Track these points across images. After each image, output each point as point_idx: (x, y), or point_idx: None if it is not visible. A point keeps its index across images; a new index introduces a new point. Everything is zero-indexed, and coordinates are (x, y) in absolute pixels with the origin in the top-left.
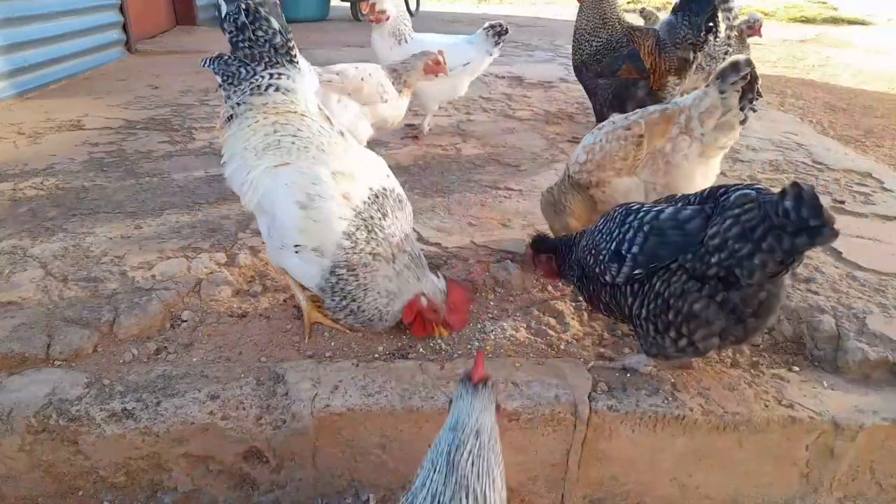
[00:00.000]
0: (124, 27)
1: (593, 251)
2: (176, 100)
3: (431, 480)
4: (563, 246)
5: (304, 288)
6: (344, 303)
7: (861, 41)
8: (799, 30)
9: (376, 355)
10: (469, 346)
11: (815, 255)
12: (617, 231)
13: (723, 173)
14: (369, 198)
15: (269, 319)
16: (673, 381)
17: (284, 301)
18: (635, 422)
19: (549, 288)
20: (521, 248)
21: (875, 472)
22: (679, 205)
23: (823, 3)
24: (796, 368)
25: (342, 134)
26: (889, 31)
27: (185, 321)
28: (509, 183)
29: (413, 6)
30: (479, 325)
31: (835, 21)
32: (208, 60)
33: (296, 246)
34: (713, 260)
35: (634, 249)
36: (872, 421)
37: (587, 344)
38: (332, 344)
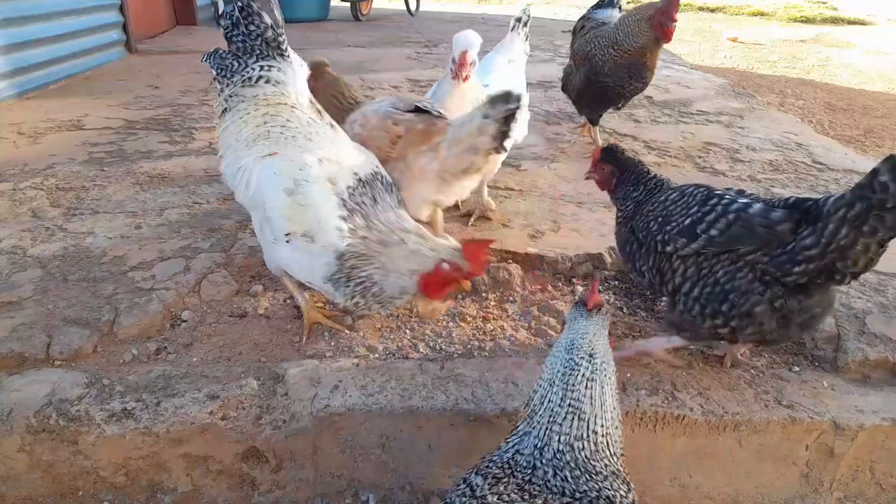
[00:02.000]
0: (124, 27)
1: (660, 219)
2: (176, 100)
3: (549, 400)
4: (632, 174)
5: (301, 287)
6: (360, 289)
7: (861, 41)
8: (799, 30)
9: (376, 355)
10: (469, 347)
11: None
12: (697, 209)
13: (723, 173)
14: (356, 183)
15: (269, 319)
16: (673, 381)
17: (284, 301)
18: (635, 422)
19: (549, 288)
20: (520, 247)
21: (875, 472)
22: (767, 204)
23: (823, 3)
24: (796, 368)
25: (332, 126)
26: (889, 31)
27: (185, 321)
28: (509, 183)
29: (413, 6)
30: (479, 325)
31: (835, 21)
32: (206, 55)
33: (286, 235)
34: (797, 269)
35: (713, 232)
36: (872, 421)
37: None
38: (332, 344)
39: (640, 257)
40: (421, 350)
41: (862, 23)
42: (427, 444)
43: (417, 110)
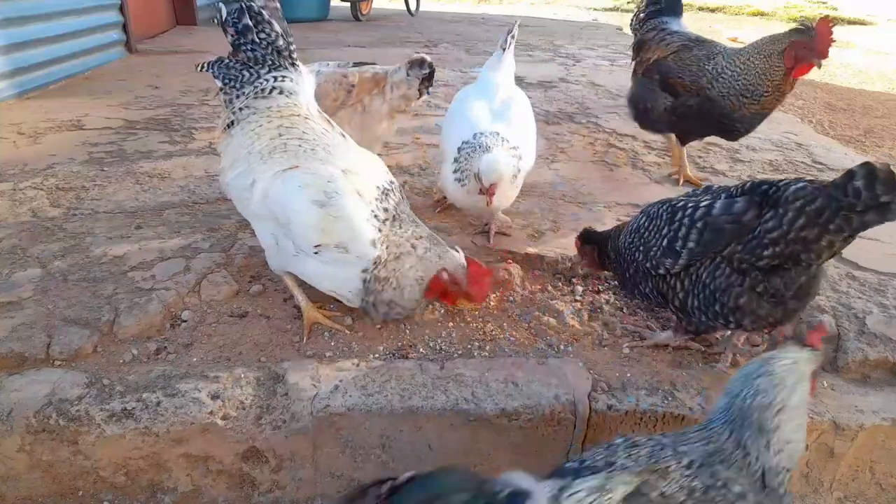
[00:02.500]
0: (124, 27)
1: (641, 248)
2: (176, 100)
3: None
4: (606, 238)
5: (302, 287)
6: (382, 306)
7: (861, 41)
8: None
9: (376, 355)
10: (469, 347)
11: None
12: (666, 229)
13: (723, 173)
14: (380, 194)
15: (269, 319)
16: (673, 380)
17: (284, 301)
18: (635, 421)
19: (549, 288)
20: (520, 247)
21: (875, 472)
22: (723, 197)
23: (823, 3)
24: None
25: (343, 136)
26: (889, 31)
27: (185, 321)
28: None
29: (413, 6)
30: (479, 325)
31: (835, 21)
32: (208, 65)
33: (315, 247)
34: (766, 252)
35: (690, 244)
36: (872, 421)
37: (587, 344)
38: (332, 344)
39: (639, 281)
40: (421, 350)
41: (862, 23)
42: (427, 444)
43: (357, 65)
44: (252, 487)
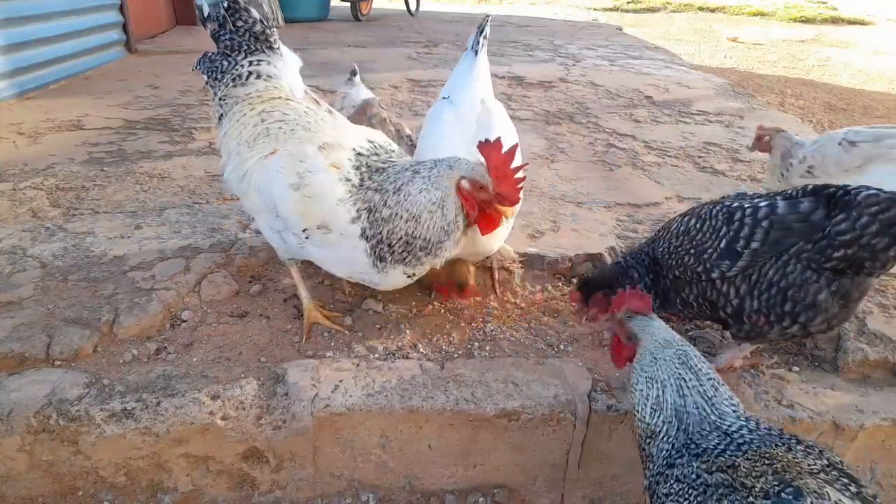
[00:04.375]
0: (124, 27)
1: (692, 251)
2: (176, 100)
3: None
4: (624, 276)
5: (305, 284)
6: (405, 252)
7: (861, 41)
8: (799, 30)
9: (376, 355)
10: (469, 347)
11: None
12: (725, 229)
13: (722, 173)
14: (357, 158)
15: (269, 319)
16: None
17: (284, 301)
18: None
19: (549, 288)
20: (520, 247)
21: (875, 472)
22: (785, 199)
23: (823, 3)
24: (796, 368)
25: (331, 112)
26: (889, 31)
27: (185, 321)
28: None
29: (413, 6)
30: (479, 325)
31: (835, 21)
32: (197, 63)
33: (304, 231)
34: (836, 254)
35: (755, 244)
36: (872, 421)
37: (587, 344)
38: (332, 344)
39: (683, 289)
40: (421, 350)
41: (862, 23)
42: (427, 444)
43: None
44: (252, 487)
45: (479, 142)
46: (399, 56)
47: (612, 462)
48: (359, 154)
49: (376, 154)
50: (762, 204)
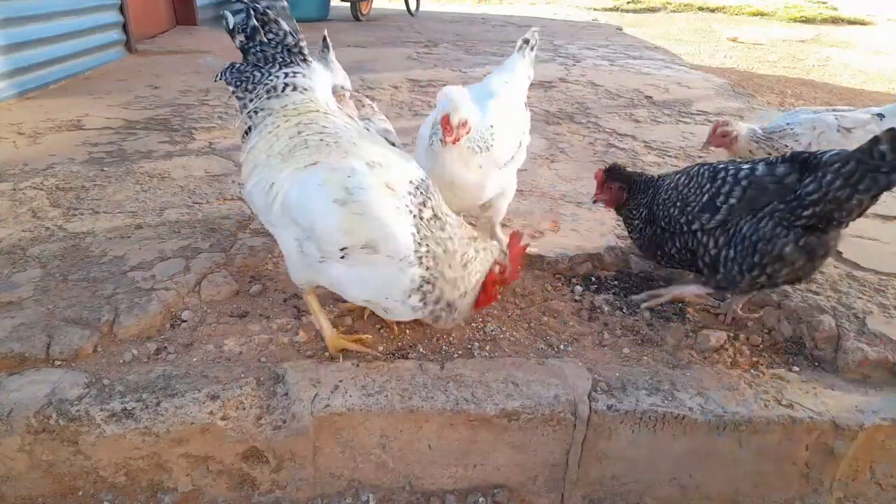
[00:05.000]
0: (124, 27)
1: (678, 203)
2: (176, 100)
3: None
4: (640, 184)
5: (324, 312)
6: (439, 308)
7: (861, 41)
8: (799, 30)
9: (376, 355)
10: (469, 347)
11: None
12: (708, 185)
13: None
14: (413, 189)
15: (269, 319)
16: (673, 381)
17: (284, 301)
18: (635, 422)
19: (549, 288)
20: None
21: (875, 472)
22: (765, 164)
23: (823, 3)
24: (796, 368)
25: (368, 129)
26: (889, 31)
27: (185, 321)
28: None
29: (413, 6)
30: (479, 326)
31: (835, 21)
32: (221, 73)
33: (342, 249)
34: (806, 212)
35: (732, 200)
36: (872, 421)
37: (587, 344)
38: None
39: (665, 242)
40: (421, 350)
41: (862, 23)
42: (427, 444)
43: None
44: (252, 488)
45: (513, 233)
46: (399, 56)
47: (612, 462)
48: (416, 186)
49: (428, 192)
50: (744, 166)
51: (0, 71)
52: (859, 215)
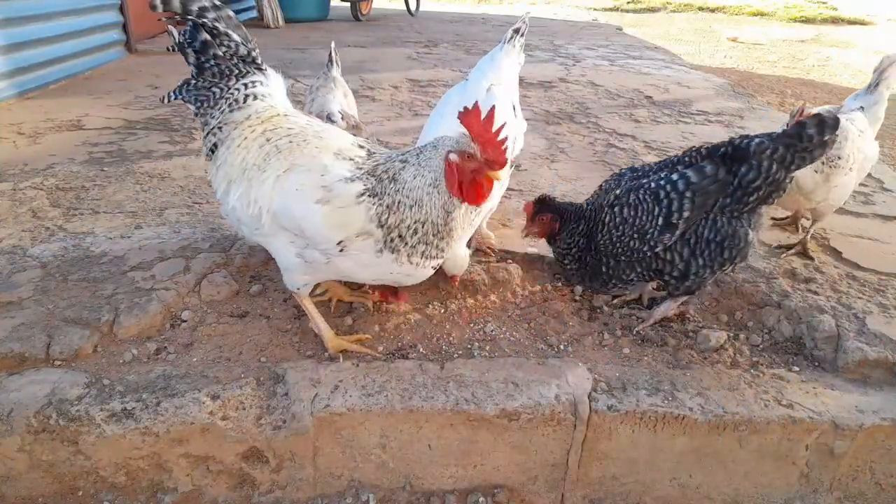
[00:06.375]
0: (124, 27)
1: (636, 235)
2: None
3: None
4: (571, 213)
5: (323, 316)
6: (417, 240)
7: (861, 41)
8: (799, 30)
9: (376, 355)
10: (469, 347)
11: (815, 256)
12: (657, 209)
13: None
14: (364, 153)
15: (269, 319)
16: (673, 381)
17: (284, 301)
18: (635, 422)
19: (549, 288)
20: (520, 247)
21: (875, 472)
22: (688, 167)
23: (823, 3)
24: (796, 368)
25: (329, 118)
26: (889, 31)
27: (185, 321)
28: (510, 183)
29: (413, 6)
30: (479, 326)
31: (835, 21)
32: (173, 93)
33: (339, 244)
34: (752, 198)
35: (686, 213)
36: (872, 421)
37: (587, 344)
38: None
39: (623, 271)
40: (421, 350)
41: (862, 23)
42: (427, 444)
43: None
44: (252, 487)
45: (459, 112)
46: (399, 56)
47: (612, 462)
48: (360, 146)
49: (372, 147)
50: (675, 178)
51: (0, 71)
52: (784, 193)
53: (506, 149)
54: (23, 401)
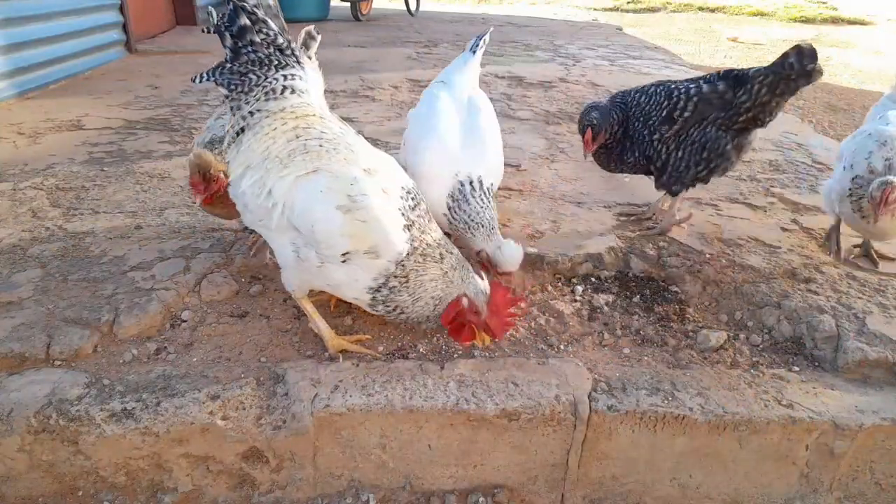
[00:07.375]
0: (124, 27)
1: (642, 118)
2: (176, 100)
3: None
4: (615, 118)
5: (321, 316)
6: (394, 300)
7: (861, 41)
8: (799, 30)
9: (376, 355)
10: (469, 346)
11: (816, 256)
12: (666, 102)
13: None
14: (405, 194)
15: (269, 319)
16: (673, 380)
17: (284, 301)
18: (635, 422)
19: (549, 288)
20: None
21: (875, 472)
22: (710, 81)
23: (823, 3)
24: (796, 368)
25: (359, 134)
26: (889, 31)
27: (185, 321)
28: (509, 183)
29: (413, 6)
30: None
31: (835, 21)
32: (208, 73)
33: (343, 255)
34: (742, 118)
35: (686, 114)
36: (872, 421)
37: (587, 344)
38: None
39: (626, 153)
40: (421, 350)
41: (862, 23)
42: (427, 444)
43: None
44: (252, 487)
45: (493, 280)
46: (399, 56)
47: (612, 462)
48: (407, 192)
49: (419, 197)
50: (691, 86)
51: (0, 71)
52: (774, 117)
53: (508, 330)
54: (23, 401)
